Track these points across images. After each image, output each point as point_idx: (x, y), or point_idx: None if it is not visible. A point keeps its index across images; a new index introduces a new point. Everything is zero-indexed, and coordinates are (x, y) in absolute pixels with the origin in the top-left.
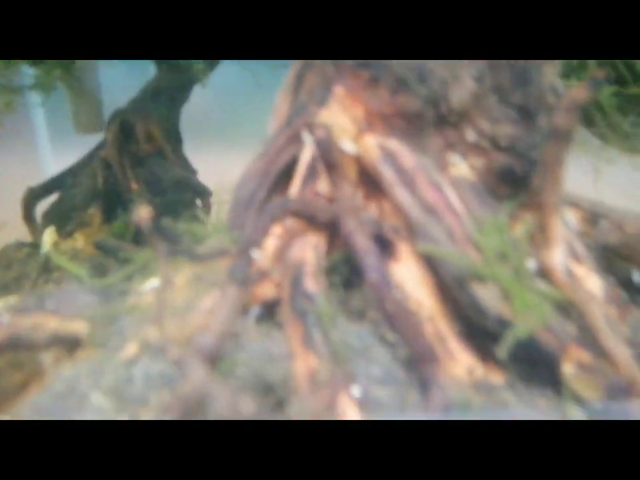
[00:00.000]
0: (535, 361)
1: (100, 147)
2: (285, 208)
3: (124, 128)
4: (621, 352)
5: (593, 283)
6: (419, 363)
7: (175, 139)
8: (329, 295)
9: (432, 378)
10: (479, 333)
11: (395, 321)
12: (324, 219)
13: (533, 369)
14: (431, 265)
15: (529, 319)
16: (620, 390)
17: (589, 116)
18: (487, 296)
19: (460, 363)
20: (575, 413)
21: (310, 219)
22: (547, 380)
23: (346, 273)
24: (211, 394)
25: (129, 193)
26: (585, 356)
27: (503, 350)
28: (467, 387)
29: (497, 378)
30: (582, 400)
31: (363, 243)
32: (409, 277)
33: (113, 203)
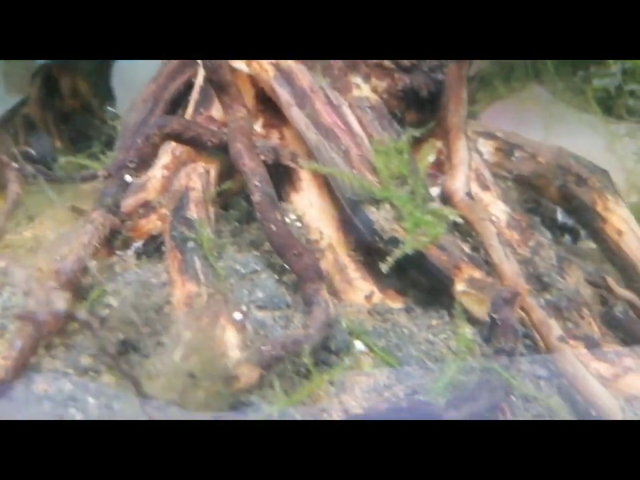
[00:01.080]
0: (431, 284)
1: (22, 103)
2: (160, 128)
3: (48, 83)
4: (508, 267)
5: (497, 209)
6: (302, 283)
7: (105, 95)
8: (222, 226)
9: (314, 297)
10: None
11: (278, 241)
12: (213, 144)
13: (430, 293)
14: (332, 192)
15: (419, 238)
16: (504, 301)
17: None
18: (382, 217)
19: (359, 290)
20: (466, 330)
21: (197, 144)
22: (443, 303)
23: (247, 207)
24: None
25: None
26: (476, 273)
27: (386, 265)
28: (365, 312)
29: (395, 303)
30: (473, 317)
31: (250, 165)
32: (309, 206)
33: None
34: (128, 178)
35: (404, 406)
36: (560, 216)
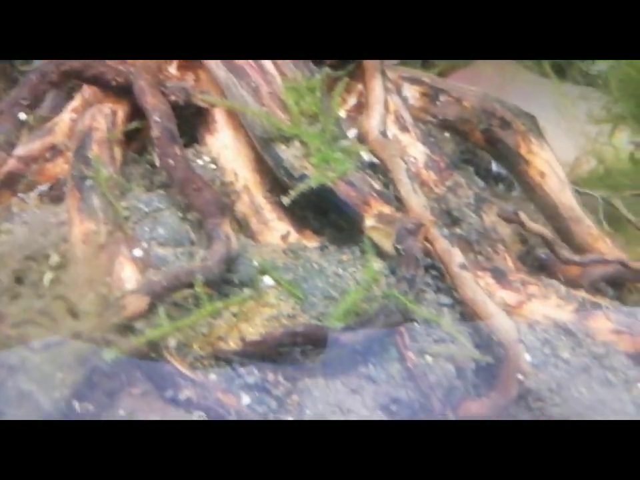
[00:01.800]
0: (344, 222)
1: None
2: (58, 65)
3: None
4: (415, 201)
5: (416, 150)
6: (203, 218)
7: None
8: (133, 169)
9: (215, 231)
10: (298, 203)
11: (177, 176)
12: (117, 83)
13: (345, 232)
14: (248, 134)
15: (327, 174)
16: (408, 232)
17: None
18: (291, 155)
19: (275, 230)
20: (375, 265)
21: (100, 83)
22: (356, 240)
23: None
24: None
25: None
26: (385, 209)
27: (288, 198)
28: (280, 251)
29: (311, 242)
30: (382, 251)
31: (152, 102)
32: (224, 148)
33: None
34: (22, 116)
35: (299, 330)
36: (494, 166)
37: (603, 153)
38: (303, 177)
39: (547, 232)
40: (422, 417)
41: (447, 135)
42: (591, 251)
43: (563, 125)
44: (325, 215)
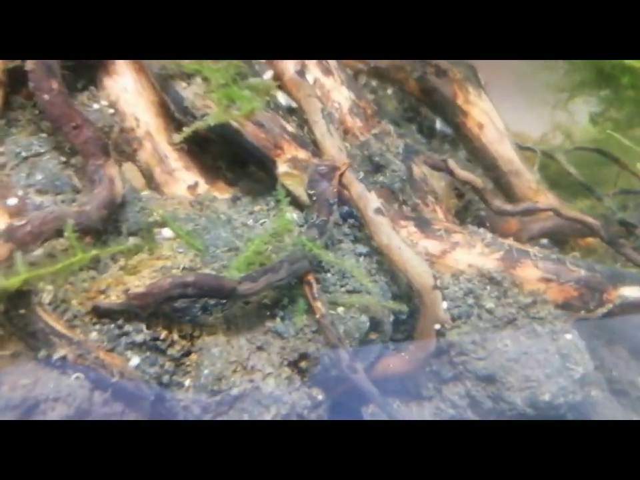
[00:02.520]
0: (260, 173)
1: None
2: None
3: None
4: (330, 143)
5: (340, 95)
6: (84, 159)
7: None
8: (19, 115)
9: (96, 174)
10: (210, 152)
11: (53, 112)
12: None
13: (260, 183)
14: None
15: (231, 112)
16: (320, 175)
17: None
18: (192, 93)
19: (181, 181)
20: (289, 215)
21: None
22: (272, 191)
23: None
24: None
25: None
26: (301, 153)
27: (181, 136)
28: (187, 203)
29: (224, 194)
30: (298, 201)
31: None
32: (124, 91)
33: None
34: None
35: (190, 280)
36: (439, 125)
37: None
38: (206, 117)
39: (478, 180)
40: (333, 372)
41: (389, 92)
42: (517, 191)
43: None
44: (241, 165)
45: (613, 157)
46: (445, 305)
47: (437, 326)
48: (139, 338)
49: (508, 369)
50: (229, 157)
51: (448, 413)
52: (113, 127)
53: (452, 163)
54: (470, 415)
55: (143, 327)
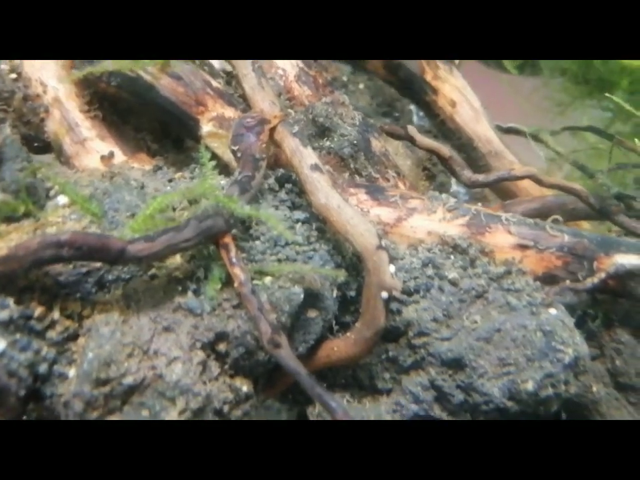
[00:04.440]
0: (188, 142)
1: None
2: None
3: None
4: (261, 96)
5: (285, 61)
6: None
7: None
8: None
9: None
10: (130, 123)
11: None
12: None
13: (188, 157)
14: None
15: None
16: (246, 129)
17: None
18: None
19: (94, 151)
20: (213, 180)
21: None
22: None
23: None
24: None
25: None
26: (227, 111)
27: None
28: (99, 175)
29: (145, 165)
30: (224, 166)
31: None
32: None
33: None
34: None
35: (65, 239)
36: (416, 119)
37: None
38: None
39: (443, 148)
40: (261, 356)
41: (361, 86)
42: (514, 189)
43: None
44: (169, 137)
45: (607, 134)
46: (392, 268)
47: (384, 294)
48: (2, 315)
49: (478, 350)
50: (156, 129)
51: (410, 410)
52: (15, 94)
53: (412, 130)
54: (437, 412)
55: (10, 301)
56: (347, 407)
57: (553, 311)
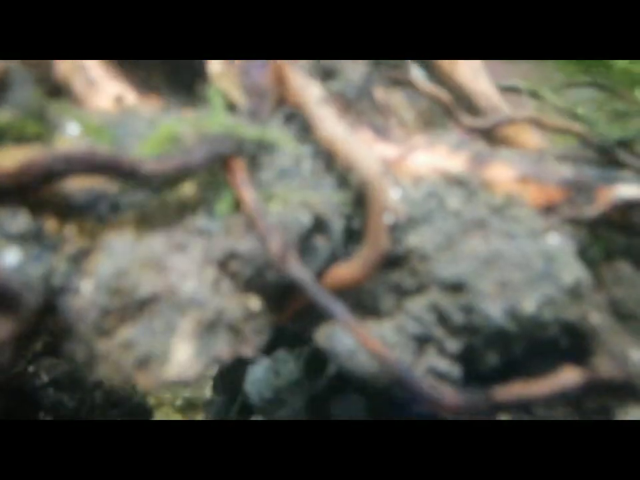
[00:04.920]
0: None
1: None
2: None
3: None
4: None
5: None
6: None
7: None
8: None
9: None
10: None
11: None
12: None
13: (193, 95)
14: None
15: None
16: (256, 65)
17: None
18: None
19: (104, 93)
20: (223, 117)
21: None
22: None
23: None
24: None
25: None
26: None
27: None
28: (114, 115)
29: (153, 103)
30: (229, 102)
31: None
32: None
33: None
34: None
35: (77, 154)
36: None
37: None
38: None
39: (444, 94)
40: (270, 276)
41: None
42: (514, 143)
43: None
44: (177, 78)
45: (610, 87)
46: (396, 194)
47: (388, 217)
48: (15, 227)
49: (480, 273)
50: (166, 71)
51: (412, 330)
52: None
53: (416, 76)
54: (438, 333)
55: (22, 214)
56: (349, 314)
57: (553, 238)
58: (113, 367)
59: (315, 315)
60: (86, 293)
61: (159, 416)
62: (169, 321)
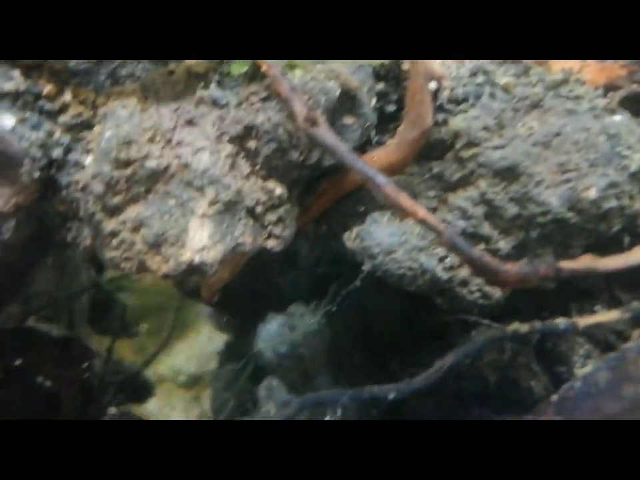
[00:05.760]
0: None
1: None
2: None
3: None
4: None
5: None
6: None
7: None
8: None
9: None
10: None
11: None
12: None
13: None
14: None
15: None
16: None
17: None
18: None
19: None
20: None
21: None
22: None
23: None
24: None
25: None
26: None
27: None
28: None
29: None
30: None
31: None
32: None
33: None
34: None
35: None
36: None
37: None
38: None
39: None
40: (294, 155)
41: None
42: None
43: None
44: None
45: None
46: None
47: (433, 84)
48: (9, 86)
49: (535, 156)
50: None
51: (457, 227)
52: None
53: None
54: (487, 230)
55: (15, 73)
56: (390, 180)
57: (617, 116)
58: (122, 249)
59: (342, 214)
60: (89, 168)
61: (160, 392)
62: (182, 199)
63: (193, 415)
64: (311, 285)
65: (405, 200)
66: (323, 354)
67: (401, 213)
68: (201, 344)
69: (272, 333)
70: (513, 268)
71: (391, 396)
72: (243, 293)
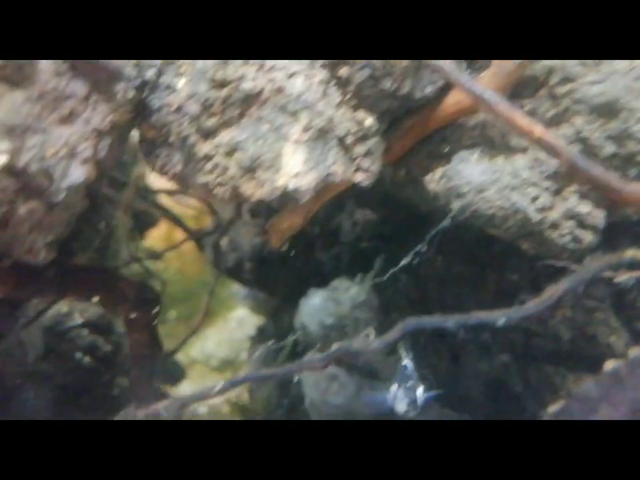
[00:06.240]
0: None
1: None
2: None
3: None
4: None
5: None
6: None
7: None
8: None
9: None
10: None
11: None
12: None
13: None
14: None
15: None
16: None
17: None
18: None
19: None
20: None
21: None
22: None
23: None
24: None
25: None
26: None
27: None
28: None
29: None
30: None
31: None
32: None
33: None
34: None
35: None
36: None
37: None
38: None
39: None
40: (387, 84)
41: None
42: None
43: None
44: None
45: None
46: None
47: None
48: None
49: (638, 90)
50: None
51: (550, 166)
52: None
53: None
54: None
55: None
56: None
57: None
58: (216, 174)
59: (424, 155)
60: (183, 89)
61: (193, 375)
62: (276, 124)
63: (229, 394)
64: (354, 260)
65: (519, 118)
66: (372, 323)
67: (515, 131)
68: (233, 328)
69: (316, 306)
70: (637, 188)
71: (501, 322)
72: (283, 270)
